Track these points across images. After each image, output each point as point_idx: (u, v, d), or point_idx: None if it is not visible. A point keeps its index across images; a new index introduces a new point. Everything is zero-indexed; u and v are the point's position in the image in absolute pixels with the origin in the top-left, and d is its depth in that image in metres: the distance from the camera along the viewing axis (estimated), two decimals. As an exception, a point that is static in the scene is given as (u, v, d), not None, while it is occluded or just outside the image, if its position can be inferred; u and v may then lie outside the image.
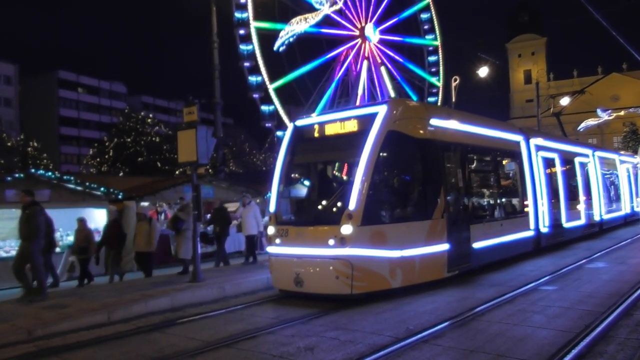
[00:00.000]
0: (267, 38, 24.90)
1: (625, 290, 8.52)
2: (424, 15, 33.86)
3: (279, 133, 25.27)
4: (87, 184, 13.74)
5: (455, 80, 28.42)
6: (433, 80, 34.20)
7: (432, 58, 34.40)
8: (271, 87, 25.03)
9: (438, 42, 34.13)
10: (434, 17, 33.99)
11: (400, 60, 32.12)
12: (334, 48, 28.87)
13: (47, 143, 58.78)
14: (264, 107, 25.38)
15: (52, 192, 12.85)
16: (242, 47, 24.24)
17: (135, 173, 37.48)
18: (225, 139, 31.64)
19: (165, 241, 15.09)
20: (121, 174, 39.03)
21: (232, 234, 17.28)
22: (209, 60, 18.98)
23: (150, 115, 50.70)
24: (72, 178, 13.77)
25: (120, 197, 14.13)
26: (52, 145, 65.83)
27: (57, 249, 13.20)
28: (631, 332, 6.19)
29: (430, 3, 33.19)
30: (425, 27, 34.14)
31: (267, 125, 25.62)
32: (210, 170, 19.88)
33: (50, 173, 14.29)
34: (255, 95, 24.99)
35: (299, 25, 24.60)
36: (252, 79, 24.79)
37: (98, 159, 44.42)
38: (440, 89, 34.25)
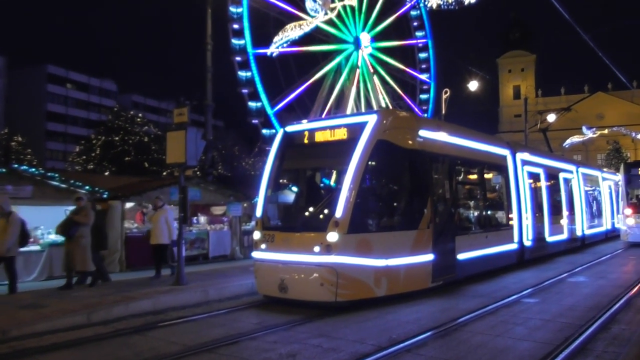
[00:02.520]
0: (264, 60, 25.00)
1: (605, 304, 8.66)
2: (413, 13, 34.11)
3: (264, 131, 25.32)
4: (72, 181, 13.58)
5: (446, 92, 28.68)
6: (424, 77, 34.48)
7: (422, 55, 34.68)
8: (272, 113, 25.21)
9: (427, 38, 34.42)
10: (423, 14, 34.29)
11: (392, 62, 32.35)
12: (329, 59, 29.02)
13: (33, 138, 58.08)
14: (265, 131, 25.51)
15: (35, 189, 12.65)
16: (241, 73, 24.31)
17: (121, 172, 37.13)
18: (215, 142, 31.55)
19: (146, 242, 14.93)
20: (107, 172, 38.65)
21: (219, 235, 17.25)
22: (202, 62, 18.94)
23: (140, 115, 50.35)
24: (56, 175, 13.58)
25: (105, 196, 13.99)
26: (38, 141, 65.04)
27: (38, 247, 13.04)
28: (608, 345, 6.28)
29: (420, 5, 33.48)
30: (415, 24, 34.42)
31: (253, 121, 25.61)
32: (198, 173, 19.78)
33: (34, 169, 14.09)
34: (255, 121, 25.06)
35: (293, 31, 24.66)
36: (252, 104, 24.86)
37: (84, 157, 43.95)
38: (432, 84, 34.50)
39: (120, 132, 43.50)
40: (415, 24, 34.39)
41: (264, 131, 25.25)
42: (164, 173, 36.82)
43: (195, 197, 15.97)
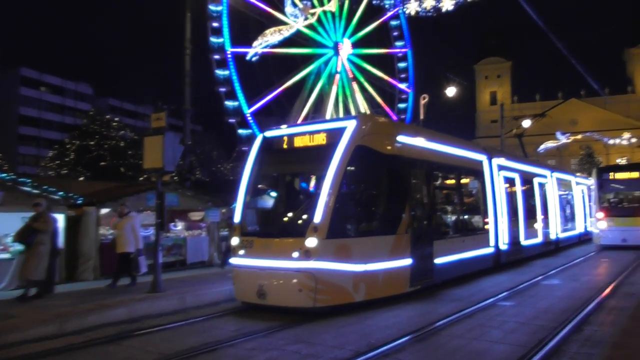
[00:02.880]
0: (243, 60, 24.98)
1: (577, 306, 8.83)
2: (393, 22, 34.48)
3: (240, 131, 25.26)
4: (45, 187, 13.28)
5: (424, 98, 28.99)
6: (402, 86, 34.81)
7: (401, 64, 35.04)
8: (248, 113, 25.13)
9: (407, 48, 34.80)
10: (403, 24, 34.66)
11: (371, 70, 32.61)
12: (308, 63, 29.11)
13: (4, 143, 56.76)
14: (241, 131, 25.40)
15: (6, 195, 12.33)
16: (219, 72, 24.21)
17: (97, 178, 36.51)
18: (193, 147, 31.29)
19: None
20: (82, 178, 37.95)
21: (197, 241, 17.09)
22: (181, 67, 18.77)
23: (117, 119, 49.62)
24: (28, 180, 13.27)
25: (79, 202, 13.73)
26: (10, 145, 63.59)
27: (8, 255, 12.71)
28: (580, 347, 6.41)
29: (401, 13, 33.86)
30: (395, 33, 34.79)
31: (244, 148, 25.60)
32: (176, 178, 19.57)
33: (4, 174, 13.75)
34: (232, 120, 24.99)
35: (273, 36, 24.71)
36: (229, 103, 24.78)
37: (58, 162, 43.07)
38: (410, 94, 34.85)
39: (96, 137, 42.78)
40: (395, 33, 34.75)
41: (241, 131, 25.21)
42: (141, 178, 36.28)
43: (173, 203, 15.79)
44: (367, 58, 32.54)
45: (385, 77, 33.43)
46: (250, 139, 25.09)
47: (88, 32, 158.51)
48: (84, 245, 13.71)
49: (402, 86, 34.68)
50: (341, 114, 29.88)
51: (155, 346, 6.95)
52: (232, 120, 25.02)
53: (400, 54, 34.95)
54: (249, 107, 25.13)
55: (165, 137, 10.41)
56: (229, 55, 24.25)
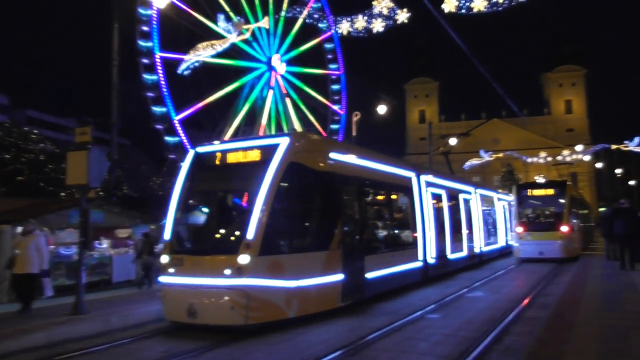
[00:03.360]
0: (172, 67, 24.46)
1: (498, 317, 9.32)
2: (327, 45, 35.19)
3: (168, 138, 24.73)
4: (-44, 204, 12.40)
5: (357, 115, 29.66)
6: (335, 108, 35.49)
7: (335, 86, 35.77)
8: (177, 119, 24.53)
9: (340, 71, 35.60)
10: (337, 48, 35.47)
11: (305, 89, 33.02)
12: (241, 77, 29.02)
13: None
14: (168, 138, 24.75)
15: None
16: (146, 76, 23.55)
17: (13, 193, 34.27)
18: (121, 161, 30.17)
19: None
20: (-4, 193, 35.48)
21: (124, 260, 16.44)
22: (108, 79, 18.14)
23: (36, 131, 46.96)
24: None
25: (-5, 219, 12.91)
26: None
27: None
28: (501, 356, 6.78)
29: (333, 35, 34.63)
30: (329, 56, 35.50)
31: (170, 156, 24.94)
32: (101, 193, 18.81)
33: None
34: (159, 127, 24.32)
35: (205, 51, 24.44)
36: (156, 109, 24.09)
37: (-31, 176, 40.06)
38: (342, 116, 35.56)
39: (12, 150, 40.24)
40: (329, 56, 35.46)
41: (168, 138, 24.54)
42: (63, 194, 34.50)
43: (98, 220, 15.16)
44: (301, 77, 32.99)
45: (319, 97, 33.97)
46: (178, 147, 24.55)
47: (3, 37, 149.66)
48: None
49: (336, 107, 35.35)
50: (274, 131, 29.97)
51: (77, 371, 6.63)
52: (159, 127, 24.24)
53: (334, 77, 35.70)
54: (178, 114, 24.53)
55: (90, 152, 10.03)
56: (158, 60, 23.65)
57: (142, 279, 14.87)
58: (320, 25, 32.28)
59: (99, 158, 10.18)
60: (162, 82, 23.74)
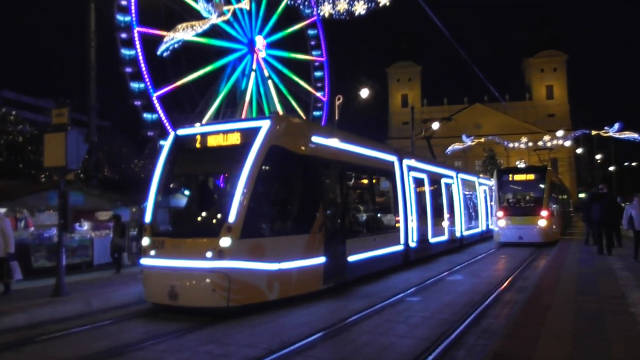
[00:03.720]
0: (151, 42, 23.95)
1: (477, 300, 9.50)
2: (311, 32, 34.89)
3: (162, 142, 24.35)
4: None
5: (339, 99, 29.59)
6: (318, 94, 35.32)
7: (318, 73, 35.56)
8: (155, 96, 24.03)
9: (323, 58, 35.36)
10: (320, 34, 35.19)
11: (288, 74, 32.76)
12: (222, 58, 28.62)
13: None
14: (147, 115, 24.27)
15: None
16: (124, 51, 23.05)
17: (-9, 175, 33.59)
18: (100, 144, 29.68)
19: (25, 252, 13.75)
20: (-26, 175, 34.77)
21: (105, 242, 16.28)
22: (86, 60, 17.72)
23: (14, 112, 45.97)
24: None
25: (-28, 201, 12.69)
26: None
27: None
28: (478, 339, 6.91)
29: (317, 21, 34.30)
30: (312, 42, 35.22)
31: (149, 134, 24.56)
32: (82, 176, 18.52)
33: None
34: (137, 103, 23.84)
35: (185, 32, 24.03)
36: (135, 85, 23.59)
37: (-56, 158, 39.15)
38: (325, 103, 35.43)
39: (-11, 132, 39.35)
40: (312, 42, 35.15)
41: (146, 115, 24.15)
42: (42, 176, 33.93)
43: (78, 202, 14.95)
44: (284, 62, 32.67)
45: (302, 83, 33.74)
46: (156, 125, 24.17)
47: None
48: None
49: (319, 94, 35.18)
50: (255, 114, 29.74)
51: (58, 352, 6.62)
52: (137, 103, 23.77)
53: (317, 63, 35.44)
54: (156, 90, 24.07)
55: (68, 134, 9.86)
56: (136, 35, 23.15)
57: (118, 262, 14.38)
58: (304, 10, 31.95)
59: (77, 140, 10.01)
60: (140, 57, 23.25)
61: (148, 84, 23.61)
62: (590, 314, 7.19)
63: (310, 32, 34.93)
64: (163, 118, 24.18)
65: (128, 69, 23.27)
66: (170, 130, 23.89)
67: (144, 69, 23.41)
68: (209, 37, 26.94)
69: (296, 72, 33.55)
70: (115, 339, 7.29)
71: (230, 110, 28.93)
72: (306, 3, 31.36)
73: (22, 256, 12.63)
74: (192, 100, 27.15)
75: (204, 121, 25.40)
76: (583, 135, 50.02)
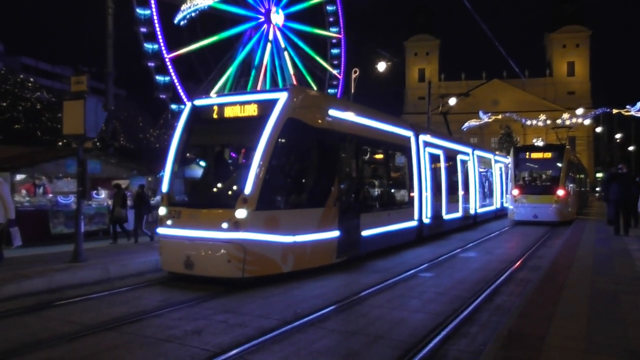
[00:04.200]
0: (166, 6, 23.73)
1: (490, 278, 9.49)
2: (329, 8, 34.38)
3: (173, 106, 24.39)
4: (-47, 150, 12.33)
5: (355, 72, 29.25)
6: (334, 72, 34.96)
7: (334, 50, 35.14)
8: (168, 57, 23.89)
9: (341, 35, 34.88)
10: (339, 11, 34.66)
11: (304, 48, 32.39)
12: (238, 26, 28.33)
13: None
14: (159, 78, 24.20)
15: None
16: (139, 11, 22.85)
17: (10, 141, 34.08)
18: (117, 112, 29.79)
19: (44, 218, 14.02)
20: (-7, 141, 35.28)
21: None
22: (103, 27, 17.65)
23: (32, 79, 46.22)
24: None
25: (-8, 167, 12.89)
26: None
27: None
28: (491, 315, 6.93)
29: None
30: (330, 19, 34.74)
31: (161, 96, 24.54)
32: (98, 144, 18.68)
33: None
34: (151, 64, 23.76)
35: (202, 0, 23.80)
36: (148, 46, 23.44)
37: (-35, 123, 39.70)
38: (341, 81, 35.10)
39: (9, 97, 39.74)
40: (330, 19, 34.61)
41: (158, 78, 24.14)
42: (60, 143, 34.29)
43: (95, 170, 15.16)
44: (300, 35, 32.25)
45: (318, 59, 33.35)
46: (168, 88, 24.10)
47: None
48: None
49: (334, 72, 34.80)
50: (269, 85, 29.56)
51: (77, 316, 6.76)
52: (150, 64, 23.77)
53: (334, 40, 34.94)
54: (169, 52, 23.94)
55: (86, 102, 9.89)
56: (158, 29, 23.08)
57: (127, 231, 14.16)
58: None
59: (96, 108, 10.05)
60: (155, 17, 23.08)
61: (162, 45, 23.49)
62: (605, 294, 7.15)
63: (329, 8, 34.42)
64: (175, 81, 24.09)
65: (143, 29, 23.14)
66: (182, 94, 23.97)
67: (158, 29, 23.24)
68: (226, 5, 26.64)
69: (312, 48, 33.17)
70: (133, 305, 7.43)
71: (244, 79, 28.77)
72: None
73: (40, 222, 12.90)
74: (207, 68, 27.03)
75: (215, 88, 25.36)
76: (603, 114, 49.10)
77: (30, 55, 77.28)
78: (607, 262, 10.03)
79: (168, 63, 23.86)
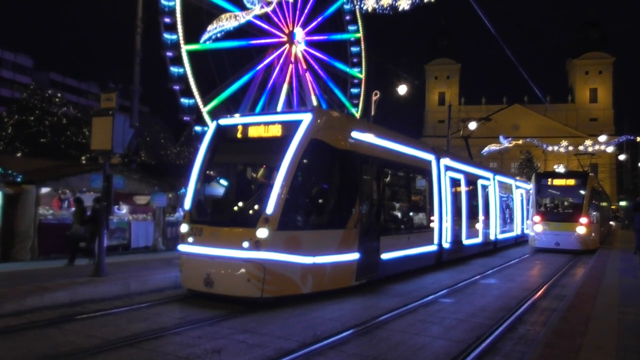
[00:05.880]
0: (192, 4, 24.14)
1: (512, 306, 9.31)
2: (354, 49, 35.00)
3: (197, 128, 24.70)
4: (-19, 163, 12.62)
5: (376, 94, 29.42)
6: (355, 71, 35.27)
7: (354, 49, 35.48)
8: (204, 111, 24.44)
9: (360, 34, 35.25)
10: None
11: (325, 58, 32.74)
12: (264, 56, 28.75)
13: None
14: (184, 100, 24.60)
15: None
16: (166, 35, 23.38)
17: (36, 154, 34.86)
18: (141, 129, 30.29)
19: (67, 231, 14.17)
20: (19, 154, 36.15)
21: (141, 226, 16.68)
22: (130, 45, 18.11)
23: (59, 95, 47.38)
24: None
25: (19, 179, 13.13)
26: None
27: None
28: (515, 345, 6.78)
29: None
30: (354, 60, 35.32)
31: (185, 118, 24.93)
32: (124, 160, 18.99)
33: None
34: (169, 54, 24.12)
35: (228, 22, 24.19)
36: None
37: (-6, 136, 40.80)
38: (363, 80, 35.30)
39: (36, 112, 40.79)
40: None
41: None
42: (83, 157, 34.95)
43: (118, 186, 15.35)
44: (321, 45, 32.63)
45: (338, 65, 33.67)
46: (193, 110, 24.40)
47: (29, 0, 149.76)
48: (22, 225, 13.18)
49: (355, 71, 35.14)
50: (289, 107, 29.78)
51: (98, 331, 6.80)
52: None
53: (353, 39, 35.35)
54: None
55: (115, 118, 10.10)
56: (184, 52, 23.60)
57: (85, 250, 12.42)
58: None
59: (124, 124, 10.25)
60: (189, 75, 23.66)
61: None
62: (633, 326, 6.96)
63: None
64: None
65: (169, 54, 23.58)
66: (205, 115, 24.29)
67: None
68: (248, 36, 27.21)
69: (333, 53, 33.48)
70: (153, 322, 7.45)
71: (271, 105, 29.00)
72: None
73: (63, 235, 13.04)
74: (235, 98, 27.37)
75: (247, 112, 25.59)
76: (627, 141, 48.38)
77: (58, 70, 79.26)
78: (634, 293, 9.79)
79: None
